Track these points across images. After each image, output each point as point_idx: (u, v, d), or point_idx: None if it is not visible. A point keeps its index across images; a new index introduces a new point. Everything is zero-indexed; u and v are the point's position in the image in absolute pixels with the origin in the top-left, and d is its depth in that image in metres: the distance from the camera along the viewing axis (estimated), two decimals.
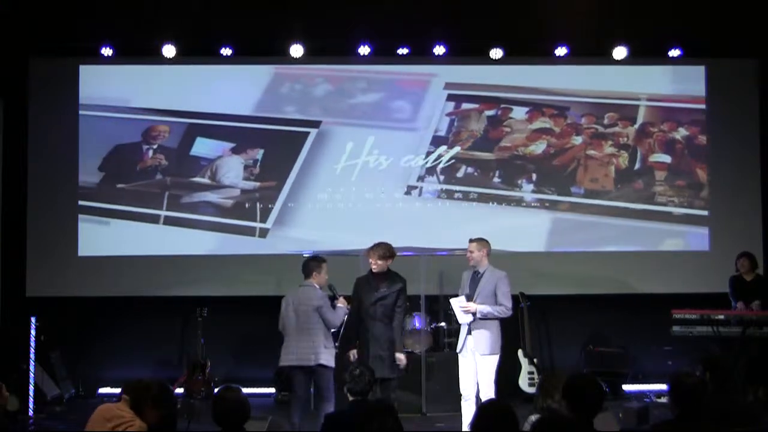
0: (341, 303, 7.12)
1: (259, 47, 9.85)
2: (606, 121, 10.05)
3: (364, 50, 9.59)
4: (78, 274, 9.75)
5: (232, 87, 10.03)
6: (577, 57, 9.81)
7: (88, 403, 8.69)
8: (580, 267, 9.89)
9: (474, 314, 7.03)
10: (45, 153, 9.84)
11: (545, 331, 10.08)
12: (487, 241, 7.23)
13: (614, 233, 9.95)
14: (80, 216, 9.82)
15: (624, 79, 10.06)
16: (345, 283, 7.43)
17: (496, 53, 9.58)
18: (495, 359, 7.08)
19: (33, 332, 8.51)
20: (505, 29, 9.49)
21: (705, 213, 9.99)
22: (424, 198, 9.91)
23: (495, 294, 7.08)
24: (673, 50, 9.71)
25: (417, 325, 9.14)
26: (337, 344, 7.58)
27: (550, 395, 4.63)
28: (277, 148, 9.93)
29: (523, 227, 9.88)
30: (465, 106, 10.07)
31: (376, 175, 9.89)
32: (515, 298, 7.60)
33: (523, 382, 9.12)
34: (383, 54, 9.79)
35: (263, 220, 9.84)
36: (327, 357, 6.92)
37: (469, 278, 7.25)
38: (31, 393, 8.52)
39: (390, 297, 7.27)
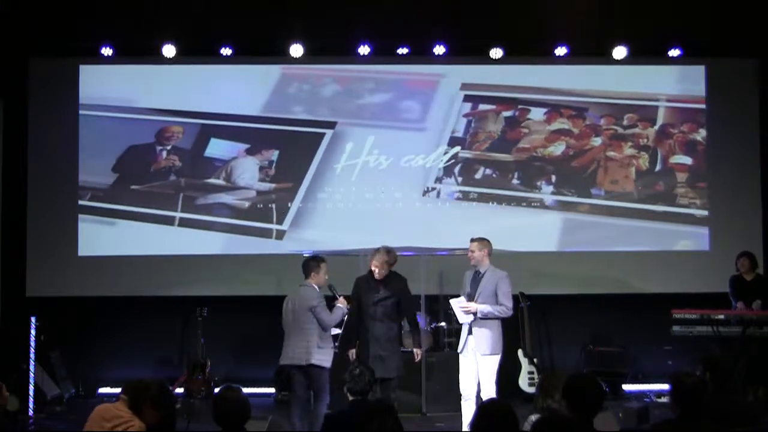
0: (341, 303, 7.11)
1: (260, 47, 9.84)
2: (625, 122, 10.04)
3: (364, 50, 9.59)
4: (78, 274, 9.75)
5: (238, 87, 10.03)
6: (577, 57, 9.81)
7: (88, 403, 8.65)
8: (580, 267, 9.89)
9: (475, 314, 7.03)
10: (45, 153, 9.84)
11: (545, 330, 10.08)
12: (488, 241, 7.22)
13: (614, 233, 9.94)
14: (83, 216, 9.80)
15: (639, 79, 10.04)
16: (345, 283, 7.43)
17: (496, 53, 9.58)
18: (496, 359, 7.07)
19: (33, 332, 8.51)
20: (505, 29, 9.49)
21: (705, 213, 10.00)
22: (442, 199, 9.88)
23: (496, 294, 7.07)
24: (673, 50, 9.72)
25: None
26: (336, 344, 7.58)
27: (550, 395, 4.63)
28: (292, 149, 9.90)
29: (527, 227, 9.86)
30: (482, 107, 10.04)
31: (394, 176, 9.84)
32: (515, 298, 7.59)
33: (523, 382, 9.12)
34: (383, 54, 9.78)
35: (279, 221, 9.81)
36: (320, 357, 6.89)
37: (470, 278, 7.25)
38: (31, 393, 8.52)
39: (391, 297, 7.27)
